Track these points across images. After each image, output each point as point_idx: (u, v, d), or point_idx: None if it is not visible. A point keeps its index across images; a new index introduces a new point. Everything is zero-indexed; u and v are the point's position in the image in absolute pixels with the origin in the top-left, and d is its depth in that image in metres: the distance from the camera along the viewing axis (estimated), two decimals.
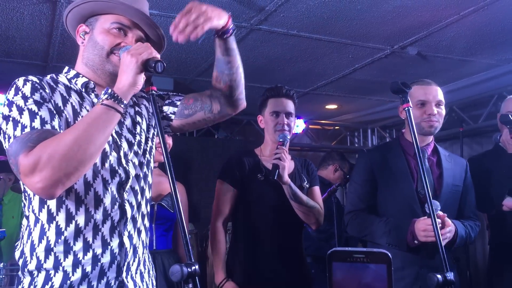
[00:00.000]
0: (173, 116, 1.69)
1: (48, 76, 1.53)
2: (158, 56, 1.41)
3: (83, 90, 1.53)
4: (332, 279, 1.49)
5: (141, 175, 1.58)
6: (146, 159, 1.62)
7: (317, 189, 2.63)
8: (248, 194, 2.52)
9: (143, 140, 1.62)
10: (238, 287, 2.42)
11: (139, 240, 1.56)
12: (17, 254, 1.47)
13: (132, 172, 1.53)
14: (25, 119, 1.32)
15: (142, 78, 1.40)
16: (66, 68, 1.61)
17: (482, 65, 4.35)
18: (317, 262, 3.91)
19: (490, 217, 2.83)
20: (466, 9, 3.16)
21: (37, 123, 1.32)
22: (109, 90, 1.36)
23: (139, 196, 1.56)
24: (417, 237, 2.06)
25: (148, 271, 1.63)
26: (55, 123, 1.37)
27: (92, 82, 1.54)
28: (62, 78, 1.55)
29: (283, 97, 2.56)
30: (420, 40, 3.71)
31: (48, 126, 1.34)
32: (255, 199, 2.50)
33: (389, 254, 1.50)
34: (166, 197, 2.65)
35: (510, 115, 2.24)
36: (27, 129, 1.31)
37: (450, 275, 1.40)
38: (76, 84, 1.54)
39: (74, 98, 1.49)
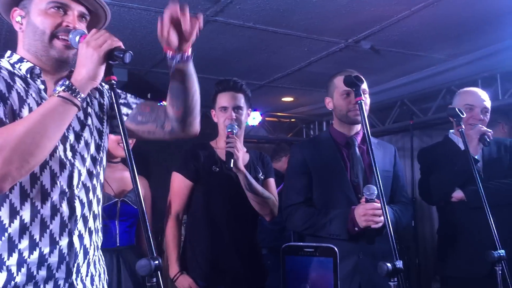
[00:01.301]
0: (125, 118, 1.57)
1: None
2: (121, 44, 1.31)
3: (28, 76, 1.43)
4: (285, 271, 1.57)
5: (94, 172, 1.50)
6: (99, 155, 1.54)
7: (272, 181, 2.66)
8: (203, 186, 2.52)
9: (95, 134, 1.54)
10: (193, 280, 2.42)
11: (90, 241, 1.47)
12: None
13: (79, 166, 1.44)
14: None
15: (103, 70, 1.31)
16: (9, 52, 1.49)
17: (432, 60, 4.49)
18: (273, 254, 3.96)
19: (439, 207, 2.94)
20: (417, 4, 3.25)
21: None
22: (67, 82, 1.28)
23: (90, 194, 1.48)
24: (358, 223, 2.08)
25: (99, 274, 1.55)
26: (0, 111, 1.28)
27: (37, 68, 1.44)
28: (4, 63, 1.45)
29: (231, 90, 2.54)
30: (373, 34, 3.78)
31: None
32: (210, 190, 2.51)
33: (335, 248, 1.56)
34: (130, 193, 2.60)
35: (457, 109, 2.32)
36: None
37: (399, 263, 1.44)
38: (20, 70, 1.43)
39: (18, 84, 1.38)
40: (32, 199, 1.33)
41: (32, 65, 1.44)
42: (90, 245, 1.48)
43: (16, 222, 1.31)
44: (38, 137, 1.21)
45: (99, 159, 1.54)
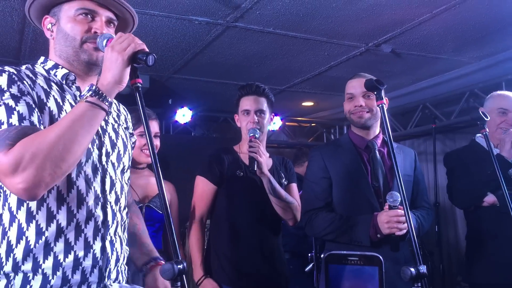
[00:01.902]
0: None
1: (24, 67, 1.44)
2: (145, 47, 1.33)
3: (64, 82, 1.45)
4: (329, 280, 1.55)
5: (122, 179, 1.53)
6: (128, 164, 1.58)
7: (294, 186, 2.66)
8: (227, 190, 2.53)
9: (126, 144, 1.57)
10: (217, 284, 2.42)
11: (121, 248, 1.50)
12: None
13: (111, 172, 1.47)
14: (1, 114, 1.24)
15: (128, 73, 1.32)
16: (42, 58, 1.51)
17: (454, 63, 4.44)
18: (296, 258, 3.95)
19: (467, 212, 2.89)
20: (439, 7, 3.22)
21: (14, 119, 1.24)
22: (93, 87, 1.29)
23: (120, 201, 1.51)
24: (381, 230, 2.06)
25: (126, 282, 1.57)
26: (34, 118, 1.28)
27: (72, 74, 1.46)
28: (39, 68, 1.47)
29: (254, 94, 2.55)
30: (394, 38, 3.76)
31: (26, 122, 1.25)
32: (234, 195, 2.52)
33: (380, 257, 1.55)
34: (155, 198, 2.61)
35: (481, 112, 2.28)
36: (4, 126, 1.23)
37: (423, 268, 1.43)
38: (56, 76, 1.45)
39: (55, 91, 1.40)
40: (69, 203, 1.34)
41: (67, 71, 1.46)
42: (121, 252, 1.50)
43: (53, 226, 1.32)
44: (68, 143, 1.22)
45: (127, 167, 1.58)
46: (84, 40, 1.44)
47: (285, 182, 2.60)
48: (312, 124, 6.82)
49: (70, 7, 1.46)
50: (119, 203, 1.50)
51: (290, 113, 6.41)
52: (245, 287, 2.44)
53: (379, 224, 2.07)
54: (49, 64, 1.48)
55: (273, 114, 2.65)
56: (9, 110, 1.25)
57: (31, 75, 1.38)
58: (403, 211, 1.97)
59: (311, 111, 6.47)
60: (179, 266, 1.15)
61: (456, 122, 5.15)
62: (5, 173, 1.19)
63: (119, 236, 1.50)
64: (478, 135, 2.86)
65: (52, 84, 1.42)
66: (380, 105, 1.71)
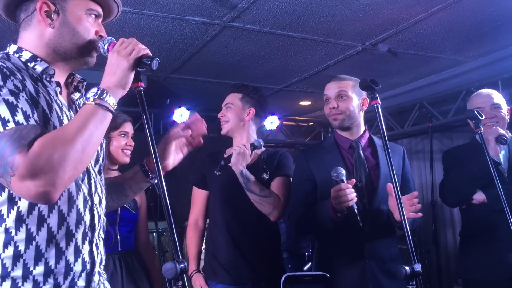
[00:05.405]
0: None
1: None
2: (148, 51, 1.34)
3: (43, 77, 1.38)
4: None
5: (101, 180, 1.51)
6: (102, 164, 1.56)
7: (280, 179, 2.55)
8: (210, 190, 2.67)
9: (102, 145, 1.56)
10: (203, 278, 2.59)
11: (103, 250, 1.48)
12: None
13: (93, 174, 1.44)
14: (4, 112, 1.17)
15: (132, 77, 1.33)
16: (15, 46, 1.40)
17: (450, 61, 4.45)
18: (293, 258, 3.96)
19: (462, 210, 2.91)
20: (434, 6, 3.23)
21: (20, 117, 1.17)
22: (100, 90, 1.28)
23: (103, 202, 1.49)
24: (336, 208, 2.03)
25: (103, 282, 1.52)
26: (36, 116, 1.22)
27: (52, 68, 1.38)
28: (15, 59, 1.36)
29: (229, 93, 2.72)
30: (391, 37, 3.77)
31: (32, 121, 1.19)
32: (213, 193, 2.65)
33: (328, 275, 1.69)
34: None
35: (475, 111, 2.30)
36: (11, 124, 1.16)
37: (418, 267, 1.43)
38: (35, 69, 1.37)
39: (41, 86, 1.32)
40: (60, 207, 1.30)
41: (47, 65, 1.38)
42: (103, 254, 1.48)
43: (44, 230, 1.27)
44: (86, 144, 1.21)
45: (102, 168, 1.56)
46: (91, 41, 1.43)
47: (266, 177, 2.54)
48: (310, 124, 6.82)
49: (80, 5, 1.41)
50: (101, 205, 1.48)
51: (287, 112, 6.42)
52: (224, 282, 2.51)
53: (332, 202, 2.03)
54: (26, 55, 1.38)
55: (251, 108, 2.65)
56: (12, 108, 1.18)
57: (15, 68, 1.29)
58: (348, 184, 2.00)
59: (308, 110, 6.48)
60: (181, 266, 1.16)
61: (453, 120, 5.16)
62: (23, 176, 1.13)
63: (102, 238, 1.48)
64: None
65: (35, 78, 1.33)
66: (375, 105, 1.72)
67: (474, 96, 2.86)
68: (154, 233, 4.16)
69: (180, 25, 3.45)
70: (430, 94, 5.28)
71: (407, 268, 1.44)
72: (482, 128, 2.25)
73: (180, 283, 1.17)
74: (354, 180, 2.06)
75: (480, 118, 2.26)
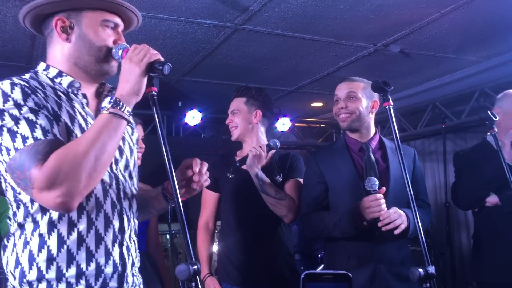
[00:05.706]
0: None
1: (28, 76, 1.42)
2: (160, 56, 1.37)
3: (70, 90, 1.45)
4: None
5: (130, 187, 1.54)
6: (134, 170, 1.59)
7: (294, 181, 2.56)
8: (222, 193, 2.66)
9: (132, 150, 1.59)
10: (217, 281, 2.56)
11: (135, 251, 1.52)
12: (10, 263, 1.37)
13: (122, 179, 1.49)
14: (24, 129, 1.24)
15: (145, 83, 1.36)
16: (43, 65, 1.48)
17: (463, 62, 4.41)
18: (305, 259, 3.96)
19: (474, 212, 2.88)
20: (447, 7, 3.21)
21: (38, 133, 1.25)
22: (114, 98, 1.33)
23: (133, 206, 1.53)
24: (364, 217, 2.06)
25: (140, 284, 1.58)
26: (56, 130, 1.29)
27: (77, 81, 1.45)
28: (43, 77, 1.44)
29: (233, 98, 2.74)
30: (403, 38, 3.75)
31: (50, 136, 1.26)
32: (226, 196, 2.62)
33: (350, 275, 1.67)
34: None
35: (489, 112, 2.27)
36: (30, 140, 1.23)
37: (431, 269, 1.43)
38: (61, 84, 1.44)
39: (65, 101, 1.40)
40: (88, 212, 1.36)
41: (72, 79, 1.45)
42: (135, 256, 1.52)
43: (74, 234, 1.34)
44: (100, 153, 1.25)
45: (135, 173, 1.60)
46: (109, 50, 1.46)
47: (280, 179, 2.55)
48: (322, 125, 6.80)
49: (95, 18, 1.45)
50: (131, 209, 1.52)
51: (299, 114, 6.41)
52: (237, 284, 2.51)
53: (361, 211, 2.07)
54: (53, 71, 1.46)
55: (258, 110, 2.67)
56: (31, 124, 1.25)
57: (39, 86, 1.37)
58: (381, 195, 2.02)
59: (320, 111, 6.46)
60: (194, 267, 1.17)
61: (466, 121, 5.11)
62: (41, 188, 1.20)
63: (133, 241, 1.53)
64: (489, 133, 2.84)
65: (60, 93, 1.41)
66: (388, 107, 1.71)
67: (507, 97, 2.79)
68: (167, 235, 4.19)
69: (192, 28, 3.47)
70: (443, 94, 5.23)
71: (420, 270, 1.43)
72: (495, 129, 2.23)
73: (193, 284, 1.18)
74: (384, 189, 2.07)
75: (494, 119, 2.24)
